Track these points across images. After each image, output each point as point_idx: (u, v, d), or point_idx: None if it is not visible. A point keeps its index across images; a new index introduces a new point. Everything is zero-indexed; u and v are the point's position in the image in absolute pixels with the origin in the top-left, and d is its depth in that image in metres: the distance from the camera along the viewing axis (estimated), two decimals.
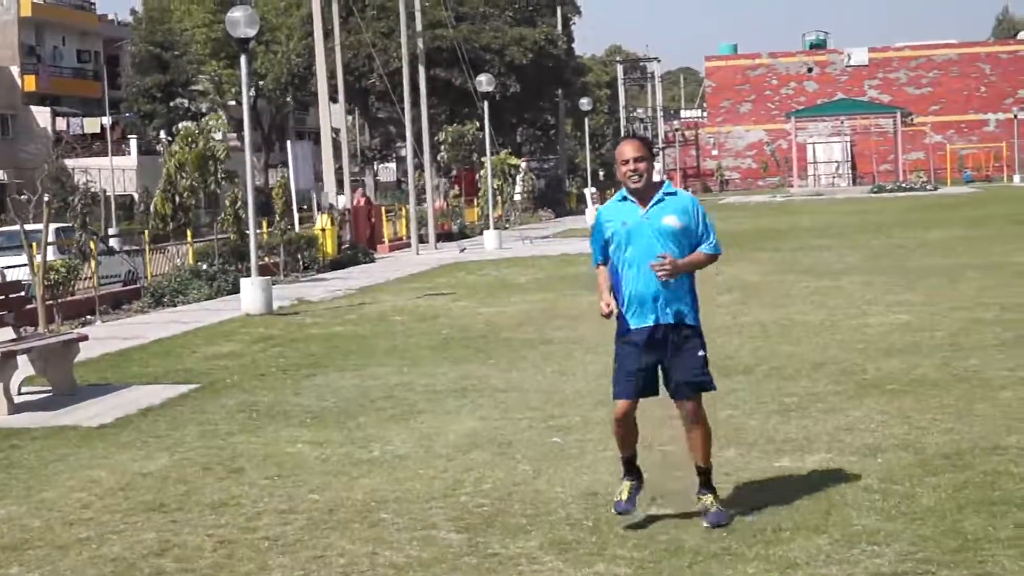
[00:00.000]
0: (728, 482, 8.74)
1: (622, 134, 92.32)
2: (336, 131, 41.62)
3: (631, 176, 7.84)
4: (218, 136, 33.09)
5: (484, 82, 42.05)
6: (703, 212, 7.99)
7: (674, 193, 7.98)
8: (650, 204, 7.86)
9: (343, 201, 39.43)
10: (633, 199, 7.91)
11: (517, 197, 59.40)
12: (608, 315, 8.04)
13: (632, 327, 7.90)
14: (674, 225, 7.82)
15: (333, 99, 41.17)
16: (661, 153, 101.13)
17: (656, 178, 8.00)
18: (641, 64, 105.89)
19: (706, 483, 8.00)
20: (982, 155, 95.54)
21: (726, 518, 7.77)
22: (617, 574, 7.00)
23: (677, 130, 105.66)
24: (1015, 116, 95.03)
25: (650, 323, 7.83)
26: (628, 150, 7.86)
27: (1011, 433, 9.89)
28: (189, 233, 30.78)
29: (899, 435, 10.00)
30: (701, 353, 7.91)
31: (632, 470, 8.07)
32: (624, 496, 7.92)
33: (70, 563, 7.62)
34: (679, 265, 7.77)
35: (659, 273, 7.70)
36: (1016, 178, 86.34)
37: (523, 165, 61.07)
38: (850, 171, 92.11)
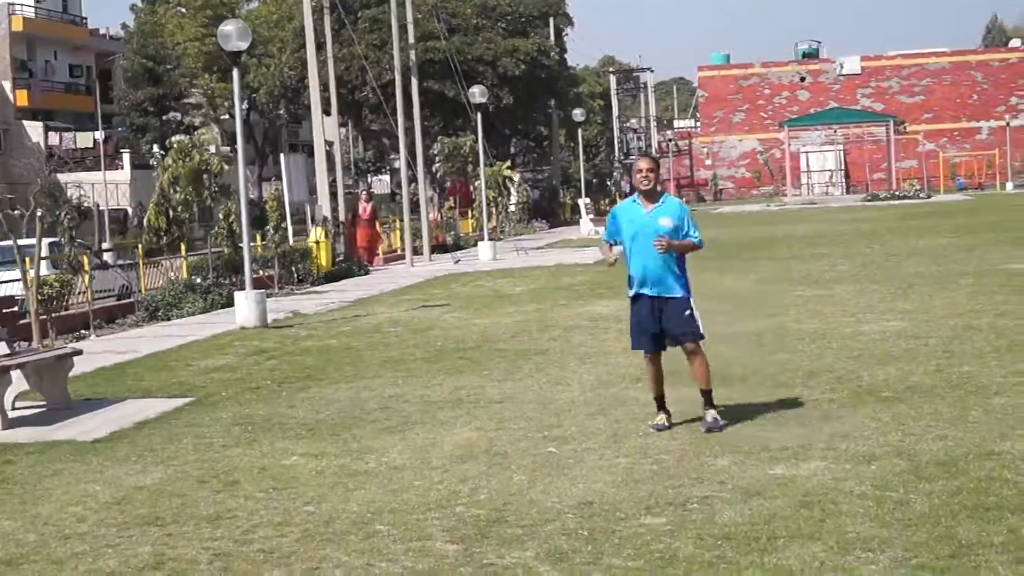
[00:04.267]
0: (723, 490, 8.76)
1: (616, 145, 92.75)
2: (329, 144, 41.46)
3: (642, 181, 10.83)
4: (212, 149, 32.98)
5: (477, 94, 42.03)
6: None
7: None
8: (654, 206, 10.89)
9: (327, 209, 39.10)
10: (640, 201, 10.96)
11: (512, 208, 59.40)
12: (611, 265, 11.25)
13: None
14: (668, 225, 10.79)
15: (326, 112, 41.08)
16: None
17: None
18: (634, 74, 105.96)
19: (708, 402, 10.96)
20: (975, 163, 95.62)
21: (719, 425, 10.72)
22: None
23: (671, 140, 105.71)
24: (1007, 124, 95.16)
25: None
26: (643, 163, 10.94)
27: (1005, 439, 9.91)
28: (183, 247, 30.76)
29: (893, 442, 10.02)
30: (688, 312, 10.86)
31: (663, 403, 11.14)
32: (660, 420, 11.00)
33: None
34: (673, 244, 10.76)
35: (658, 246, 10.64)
36: (1008, 185, 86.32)
37: (516, 177, 60.98)
38: (843, 180, 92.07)
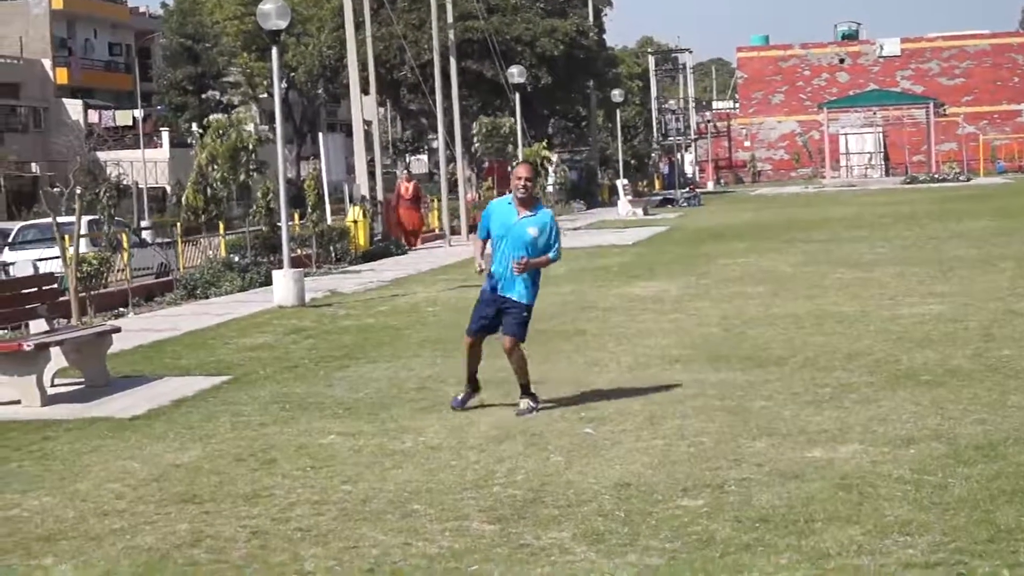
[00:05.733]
0: (760, 473, 8.74)
1: (655, 127, 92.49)
2: (368, 123, 41.47)
3: (519, 188, 11.37)
4: (249, 128, 33.07)
5: (516, 74, 42.01)
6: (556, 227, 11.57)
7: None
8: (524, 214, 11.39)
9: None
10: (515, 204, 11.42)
11: (549, 189, 59.25)
12: (480, 272, 11.71)
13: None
14: (534, 235, 11.31)
15: (365, 91, 41.04)
16: (693, 145, 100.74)
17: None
18: (673, 55, 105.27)
19: (524, 391, 11.49)
20: (1015, 145, 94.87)
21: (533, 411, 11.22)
22: (649, 565, 6.99)
23: (709, 121, 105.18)
24: None
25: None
26: (522, 171, 11.53)
27: None
28: (221, 225, 30.84)
29: (932, 426, 9.97)
30: (518, 323, 11.41)
31: (473, 381, 11.67)
32: (460, 396, 11.65)
33: (103, 554, 7.66)
34: (530, 263, 11.33)
35: (515, 269, 11.22)
36: None
37: (554, 157, 60.79)
38: (883, 162, 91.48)
